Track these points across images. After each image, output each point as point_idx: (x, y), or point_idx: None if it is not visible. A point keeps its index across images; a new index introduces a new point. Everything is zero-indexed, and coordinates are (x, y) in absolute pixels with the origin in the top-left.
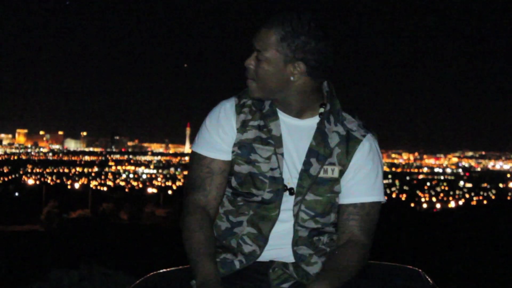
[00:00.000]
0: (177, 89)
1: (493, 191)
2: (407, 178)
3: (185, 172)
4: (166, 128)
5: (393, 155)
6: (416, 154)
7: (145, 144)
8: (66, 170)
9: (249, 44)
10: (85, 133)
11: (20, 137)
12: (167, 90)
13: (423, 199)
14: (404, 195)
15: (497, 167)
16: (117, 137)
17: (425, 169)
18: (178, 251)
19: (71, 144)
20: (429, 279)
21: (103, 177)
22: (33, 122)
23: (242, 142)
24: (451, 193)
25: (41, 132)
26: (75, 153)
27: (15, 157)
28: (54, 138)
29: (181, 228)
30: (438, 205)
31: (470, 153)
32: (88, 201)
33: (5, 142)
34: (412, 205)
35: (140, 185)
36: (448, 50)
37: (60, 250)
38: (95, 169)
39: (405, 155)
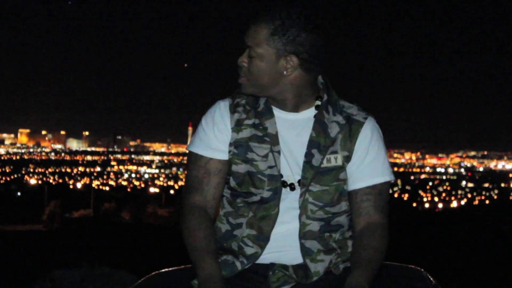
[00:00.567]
0: (179, 88)
1: (495, 191)
2: (411, 177)
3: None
4: (168, 127)
5: (395, 155)
6: (418, 153)
7: (147, 144)
8: (68, 170)
9: (241, 41)
10: (87, 133)
11: (22, 136)
12: (169, 90)
13: (425, 199)
14: (406, 195)
15: (499, 167)
16: (119, 137)
17: (427, 169)
18: (180, 250)
19: (73, 144)
20: (431, 279)
21: (105, 176)
22: (35, 121)
23: (238, 141)
24: (453, 193)
25: (43, 132)
26: (77, 152)
27: (17, 157)
28: (56, 138)
29: (181, 229)
30: (440, 205)
31: (472, 153)
32: (90, 201)
33: (7, 142)
34: (414, 204)
35: (142, 185)
36: (451, 49)
37: (62, 249)
38: (97, 168)
39: (407, 155)
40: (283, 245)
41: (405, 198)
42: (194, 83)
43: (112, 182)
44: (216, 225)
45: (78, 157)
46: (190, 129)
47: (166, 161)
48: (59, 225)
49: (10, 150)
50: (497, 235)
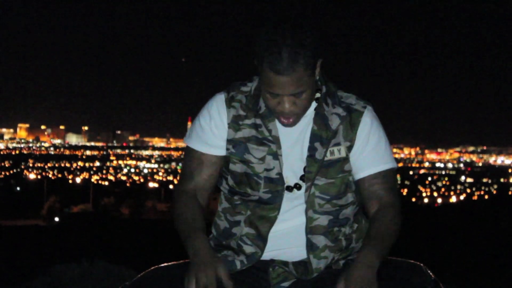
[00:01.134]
0: (178, 83)
1: (495, 186)
2: (411, 172)
3: None
4: (168, 122)
5: (394, 150)
6: (417, 148)
7: (147, 139)
8: (67, 165)
9: (272, 93)
10: (86, 128)
11: (22, 131)
12: (168, 85)
13: (424, 194)
14: (405, 190)
15: (499, 162)
16: (119, 132)
17: (427, 164)
18: (179, 245)
19: (73, 139)
20: (431, 274)
21: (104, 171)
22: (34, 116)
23: (236, 141)
24: (453, 188)
25: (43, 127)
26: (76, 147)
27: (17, 152)
28: (56, 133)
29: (172, 215)
30: (439, 200)
31: (471, 148)
32: (90, 196)
33: (6, 137)
34: (413, 200)
35: (142, 180)
36: (450, 44)
37: (61, 244)
38: (97, 163)
39: (406, 150)
40: (285, 243)
41: (404, 193)
42: (193, 78)
43: (111, 177)
44: (214, 221)
45: (77, 152)
46: (189, 124)
47: (165, 156)
48: (59, 220)
49: (9, 145)
50: (496, 230)
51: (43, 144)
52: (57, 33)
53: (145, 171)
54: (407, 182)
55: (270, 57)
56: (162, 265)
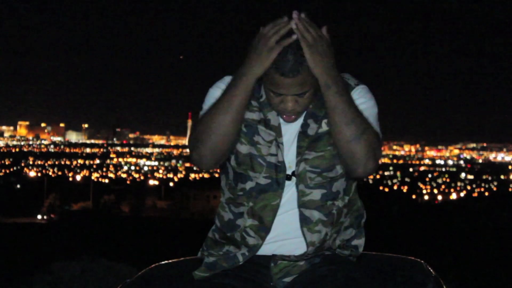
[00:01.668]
0: (178, 81)
1: (495, 183)
2: (411, 170)
3: (187, 164)
4: (168, 120)
5: (394, 147)
6: (418, 145)
7: (147, 136)
8: (67, 162)
9: (273, 92)
10: (86, 125)
11: (22, 129)
12: (168, 82)
13: (424, 191)
14: (406, 187)
15: (499, 158)
16: (119, 129)
17: (427, 161)
18: (180, 242)
19: (73, 136)
20: (431, 270)
21: (104, 169)
22: (34, 114)
23: (248, 121)
24: (453, 185)
25: (43, 124)
26: (76, 145)
27: (17, 149)
28: (56, 130)
29: (193, 139)
30: (439, 197)
31: (471, 145)
32: (90, 193)
33: (6, 134)
34: (414, 197)
35: (142, 177)
36: (450, 41)
37: (62, 242)
38: (97, 161)
39: (406, 147)
40: (285, 234)
41: (405, 190)
42: (193, 75)
43: (111, 175)
44: (218, 212)
45: (77, 150)
46: (189, 121)
47: (165, 154)
48: (59, 217)
49: (9, 143)
50: (496, 227)
51: (43, 141)
52: (57, 30)
53: (145, 168)
54: (407, 179)
55: (275, 59)
56: (163, 262)
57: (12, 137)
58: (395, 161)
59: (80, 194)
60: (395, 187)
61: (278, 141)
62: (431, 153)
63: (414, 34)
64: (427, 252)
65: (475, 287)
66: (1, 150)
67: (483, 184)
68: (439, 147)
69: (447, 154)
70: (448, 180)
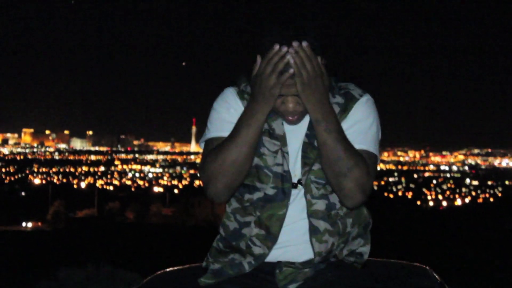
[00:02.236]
0: (183, 87)
1: (500, 189)
2: (415, 176)
3: (191, 171)
4: (172, 127)
5: (399, 153)
6: (422, 151)
7: (151, 143)
8: (72, 170)
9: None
10: (91, 132)
11: (26, 136)
12: (173, 89)
13: (429, 197)
14: (411, 193)
15: (504, 164)
16: (123, 136)
17: (431, 167)
18: (185, 249)
19: (77, 143)
20: (436, 277)
21: (109, 176)
22: (39, 121)
23: None
24: (458, 190)
25: (47, 132)
26: (81, 152)
27: (21, 157)
28: (60, 138)
29: (206, 176)
30: (444, 203)
31: (476, 151)
32: (94, 201)
33: (11, 142)
34: (419, 203)
35: (146, 184)
36: (455, 47)
37: (66, 249)
38: (101, 168)
39: (411, 153)
40: (289, 241)
41: (409, 196)
42: (197, 82)
43: (116, 182)
44: (223, 221)
45: (82, 157)
46: (194, 128)
47: (170, 160)
48: (64, 224)
49: (14, 150)
50: (501, 233)
51: (47, 149)
52: (61, 37)
53: (150, 175)
54: (412, 185)
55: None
56: (168, 270)
57: (16, 144)
58: (399, 167)
59: (84, 201)
60: (400, 193)
61: (283, 151)
62: (435, 159)
63: (419, 38)
64: (432, 258)
65: None
66: (6, 158)
67: (488, 190)
68: (444, 153)
69: (452, 160)
70: (453, 186)
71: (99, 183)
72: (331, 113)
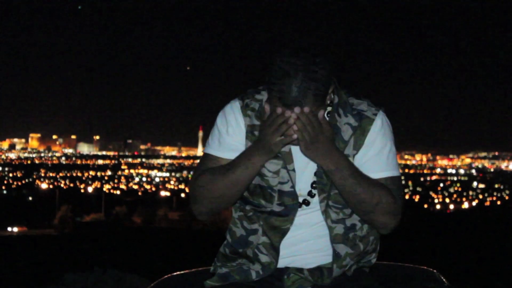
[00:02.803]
0: (189, 92)
1: (507, 192)
2: (422, 179)
3: None
4: (179, 131)
5: (406, 156)
6: (429, 155)
7: (158, 148)
8: (79, 174)
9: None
10: (98, 137)
11: (33, 141)
12: (179, 94)
13: (436, 200)
14: (418, 196)
15: (511, 167)
16: (130, 141)
17: (438, 170)
18: (192, 253)
19: (84, 148)
20: (444, 280)
21: (116, 180)
22: (46, 126)
23: None
24: (465, 194)
25: (54, 136)
26: (88, 157)
27: (29, 162)
28: (67, 142)
29: (193, 196)
30: (451, 206)
31: (483, 154)
32: (102, 205)
33: (18, 147)
34: (426, 206)
35: (153, 189)
36: (463, 50)
37: (74, 253)
38: (108, 172)
39: (418, 156)
40: (298, 249)
41: (416, 200)
42: (204, 87)
43: (123, 186)
44: (230, 227)
45: (89, 161)
46: (200, 132)
47: (176, 165)
48: (71, 229)
49: (21, 155)
50: (509, 236)
51: (54, 153)
52: (69, 42)
53: (157, 180)
54: (419, 189)
55: (280, 87)
56: (175, 273)
57: (23, 149)
58: (406, 170)
59: (92, 206)
60: (407, 197)
61: (288, 168)
62: (442, 162)
63: (427, 42)
64: (439, 262)
65: None
66: (13, 163)
67: (495, 193)
68: (451, 156)
69: (459, 163)
70: (460, 189)
71: (106, 187)
72: (340, 159)
